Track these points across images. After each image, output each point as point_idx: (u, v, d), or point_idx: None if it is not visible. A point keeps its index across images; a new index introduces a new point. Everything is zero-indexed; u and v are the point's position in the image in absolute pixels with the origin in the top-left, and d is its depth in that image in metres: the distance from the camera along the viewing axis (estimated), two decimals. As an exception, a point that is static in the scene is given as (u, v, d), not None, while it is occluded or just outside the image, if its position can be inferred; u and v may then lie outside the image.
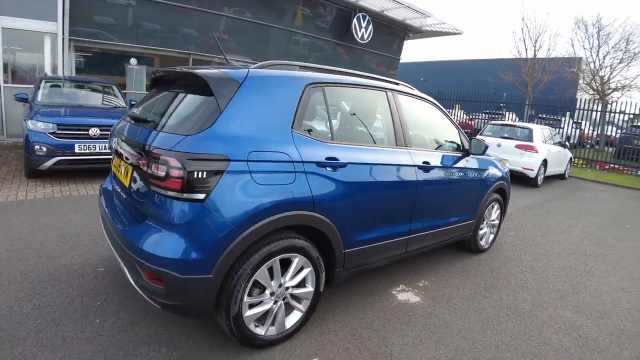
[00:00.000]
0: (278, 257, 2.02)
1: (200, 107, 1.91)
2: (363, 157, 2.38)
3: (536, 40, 17.37)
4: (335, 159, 2.20)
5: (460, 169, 3.32)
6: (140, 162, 1.90)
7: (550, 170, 8.91)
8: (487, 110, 16.85)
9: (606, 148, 14.81)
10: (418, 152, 2.87)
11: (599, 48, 15.61)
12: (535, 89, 17.36)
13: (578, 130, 15.66)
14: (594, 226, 5.76)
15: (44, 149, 4.93)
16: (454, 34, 17.39)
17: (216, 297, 1.87)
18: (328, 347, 2.25)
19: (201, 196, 1.73)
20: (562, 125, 13.84)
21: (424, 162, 2.86)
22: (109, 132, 5.27)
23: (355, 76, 2.63)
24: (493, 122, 9.79)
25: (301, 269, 2.18)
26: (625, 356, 2.51)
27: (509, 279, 3.55)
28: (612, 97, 15.39)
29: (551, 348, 2.52)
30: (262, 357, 2.10)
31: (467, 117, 17.68)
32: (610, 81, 15.36)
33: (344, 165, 2.23)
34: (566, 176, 10.25)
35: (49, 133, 4.97)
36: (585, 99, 13.46)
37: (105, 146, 5.23)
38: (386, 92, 2.76)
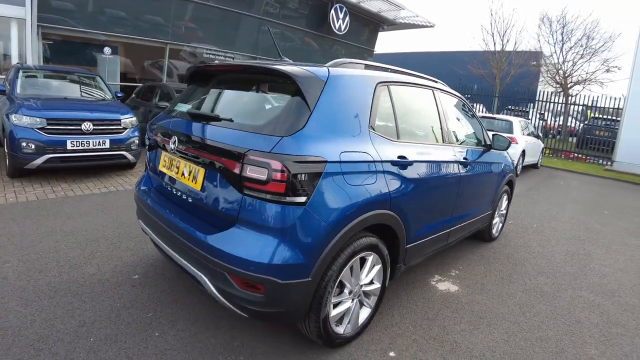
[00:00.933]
0: (358, 256, 2.06)
1: (289, 106, 1.87)
2: (423, 155, 2.47)
3: (504, 34, 18.30)
4: (405, 157, 2.26)
5: (487, 163, 3.51)
6: (226, 164, 1.84)
7: (527, 160, 9.49)
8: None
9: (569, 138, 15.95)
10: (458, 147, 3.01)
11: (563, 44, 16.76)
12: (503, 81, 18.31)
13: (543, 122, 16.73)
14: (578, 212, 6.26)
15: (32, 146, 4.58)
16: (427, 26, 17.83)
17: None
18: (398, 340, 2.33)
19: (303, 199, 1.72)
20: (529, 117, 14.74)
21: (463, 158, 3.00)
22: (102, 127, 5.00)
23: (408, 75, 2.69)
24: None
25: (373, 266, 2.23)
26: (646, 330, 2.81)
27: (525, 265, 3.81)
28: (574, 90, 16.62)
29: (583, 325, 2.77)
30: (342, 355, 2.15)
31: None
32: (572, 75, 16.56)
33: (411, 163, 2.30)
34: (538, 165, 10.96)
35: (37, 128, 4.61)
36: (548, 92, 14.40)
37: (100, 142, 4.94)
38: (433, 90, 2.84)
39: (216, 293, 1.86)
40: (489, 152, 3.66)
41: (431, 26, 17.87)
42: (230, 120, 2.00)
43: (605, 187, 9.23)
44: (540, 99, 14.09)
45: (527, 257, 4.04)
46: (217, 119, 2.05)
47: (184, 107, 2.40)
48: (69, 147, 4.75)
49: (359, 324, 2.26)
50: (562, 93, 16.10)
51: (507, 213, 4.67)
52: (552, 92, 14.71)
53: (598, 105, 12.90)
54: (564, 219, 5.78)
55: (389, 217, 2.15)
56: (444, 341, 2.38)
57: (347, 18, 14.30)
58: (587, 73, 16.33)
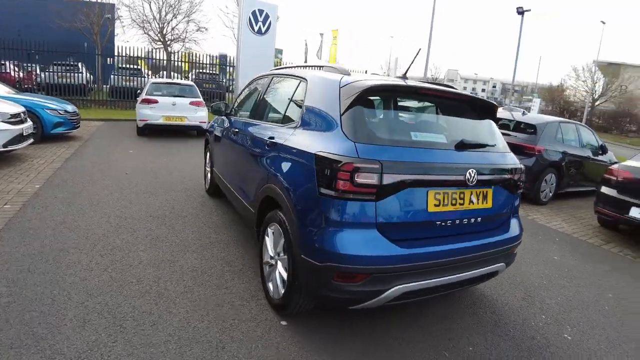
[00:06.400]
0: None
1: (491, 130, 2.88)
2: None
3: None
4: None
5: None
6: (512, 178, 2.74)
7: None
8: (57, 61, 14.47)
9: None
10: None
11: (162, 4, 18.91)
12: (103, 37, 18.48)
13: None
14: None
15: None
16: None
17: None
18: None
19: None
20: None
21: None
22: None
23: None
24: (155, 81, 10.55)
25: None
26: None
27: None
28: (173, 47, 19.92)
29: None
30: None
31: (23, 70, 15.18)
32: (169, 33, 19.65)
33: None
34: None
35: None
36: (124, 46, 15.41)
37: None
38: None
39: (504, 268, 2.79)
40: None
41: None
42: (494, 145, 2.79)
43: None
44: (119, 54, 14.76)
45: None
46: (484, 145, 2.70)
47: (429, 137, 2.57)
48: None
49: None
50: (163, 50, 19.09)
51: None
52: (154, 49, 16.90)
53: (201, 61, 16.71)
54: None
55: None
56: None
57: None
58: (182, 32, 20.07)
